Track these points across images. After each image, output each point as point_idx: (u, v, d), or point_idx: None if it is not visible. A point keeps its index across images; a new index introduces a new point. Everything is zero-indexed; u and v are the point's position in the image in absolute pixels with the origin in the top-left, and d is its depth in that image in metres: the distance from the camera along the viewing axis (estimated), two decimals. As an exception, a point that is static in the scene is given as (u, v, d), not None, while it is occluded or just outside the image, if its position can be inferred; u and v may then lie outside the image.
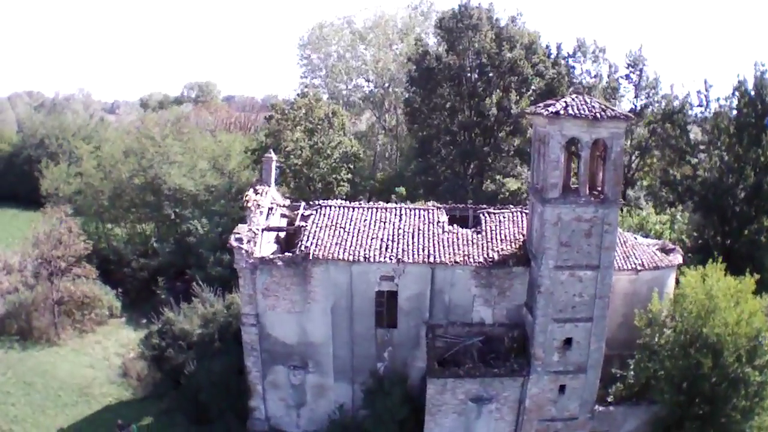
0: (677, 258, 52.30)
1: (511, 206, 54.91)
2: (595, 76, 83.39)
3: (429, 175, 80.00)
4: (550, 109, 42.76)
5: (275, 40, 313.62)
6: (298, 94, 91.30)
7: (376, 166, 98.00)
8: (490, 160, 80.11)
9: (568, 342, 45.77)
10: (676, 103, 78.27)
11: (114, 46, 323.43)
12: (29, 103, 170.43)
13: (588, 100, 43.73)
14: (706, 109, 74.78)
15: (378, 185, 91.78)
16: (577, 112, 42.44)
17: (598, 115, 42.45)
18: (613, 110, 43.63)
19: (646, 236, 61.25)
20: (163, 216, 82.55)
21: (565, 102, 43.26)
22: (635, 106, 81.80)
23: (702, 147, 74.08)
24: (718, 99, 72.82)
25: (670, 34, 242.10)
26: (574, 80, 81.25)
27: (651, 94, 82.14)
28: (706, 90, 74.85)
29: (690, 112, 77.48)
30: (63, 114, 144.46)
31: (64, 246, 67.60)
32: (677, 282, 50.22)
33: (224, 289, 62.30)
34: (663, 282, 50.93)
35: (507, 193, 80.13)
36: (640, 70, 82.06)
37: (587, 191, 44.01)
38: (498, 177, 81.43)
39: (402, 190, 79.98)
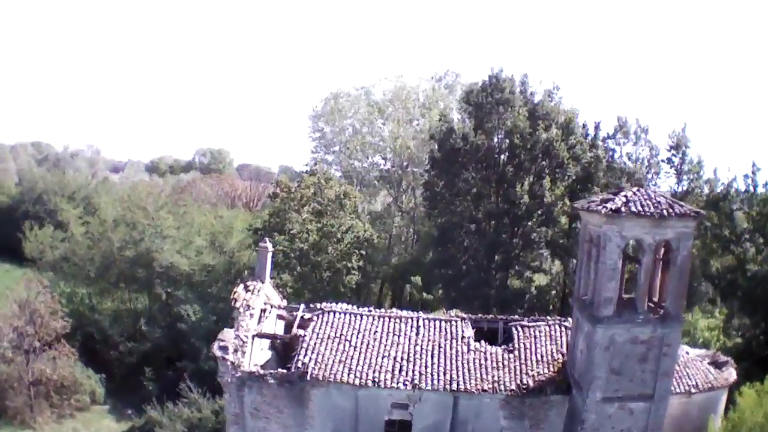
0: (731, 374, 44.34)
1: (548, 318, 46.55)
2: (636, 160, 75.60)
3: (449, 266, 71.81)
4: (609, 205, 35.46)
5: (291, 108, 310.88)
6: (306, 171, 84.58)
7: (391, 250, 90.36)
8: (517, 252, 71.89)
9: (611, 481, 37.78)
10: (721, 188, 70.32)
11: (130, 104, 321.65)
12: (33, 155, 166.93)
13: (651, 194, 36.88)
14: (753, 195, 67.57)
15: (392, 272, 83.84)
16: (641, 209, 35.42)
17: (665, 212, 35.41)
18: (681, 206, 36.66)
19: (694, 346, 53.25)
20: (155, 295, 78.38)
21: (626, 197, 36.06)
22: (676, 192, 73.90)
23: (747, 236, 66.50)
24: (766, 184, 66.48)
25: (716, 111, 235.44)
26: (614, 164, 73.65)
27: (693, 179, 74.22)
28: (754, 173, 67.73)
29: (736, 198, 69.43)
30: (65, 170, 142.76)
31: (39, 323, 63.19)
32: (728, 399, 43.24)
33: (217, 389, 54.95)
34: (716, 402, 43.50)
35: (535, 290, 72.30)
36: (683, 153, 74.32)
37: (645, 305, 36.66)
38: (526, 272, 73.15)
39: (418, 279, 73.43)
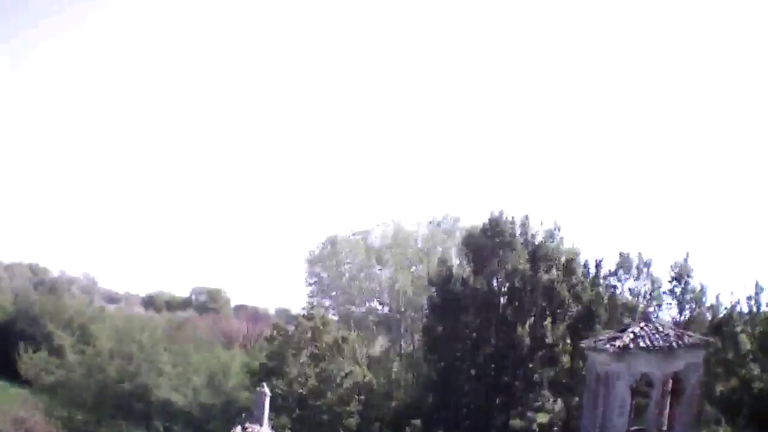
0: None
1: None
2: (637, 294, 75.63)
3: (449, 410, 70.69)
4: (617, 343, 35.21)
5: (288, 249, 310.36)
6: (303, 315, 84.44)
7: (390, 395, 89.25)
8: (519, 394, 71.01)
9: None
10: (723, 313, 69.82)
11: (128, 236, 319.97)
12: (29, 278, 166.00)
13: (659, 327, 37.15)
14: (756, 315, 66.89)
15: (392, 415, 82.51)
16: (649, 344, 35.23)
17: (674, 344, 35.71)
18: (690, 336, 37.40)
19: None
20: (153, 429, 76.39)
21: (633, 333, 36.14)
22: (678, 321, 73.44)
23: (752, 356, 65.16)
24: (769, 303, 66.22)
25: (719, 234, 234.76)
26: (615, 301, 73.26)
27: (696, 307, 73.96)
28: (757, 293, 67.20)
29: (739, 320, 68.21)
30: (61, 296, 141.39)
31: None
32: None
33: None
34: None
35: (537, 429, 71.31)
36: (685, 282, 74.17)
37: None
38: (528, 413, 72.10)
39: (417, 422, 72.26)
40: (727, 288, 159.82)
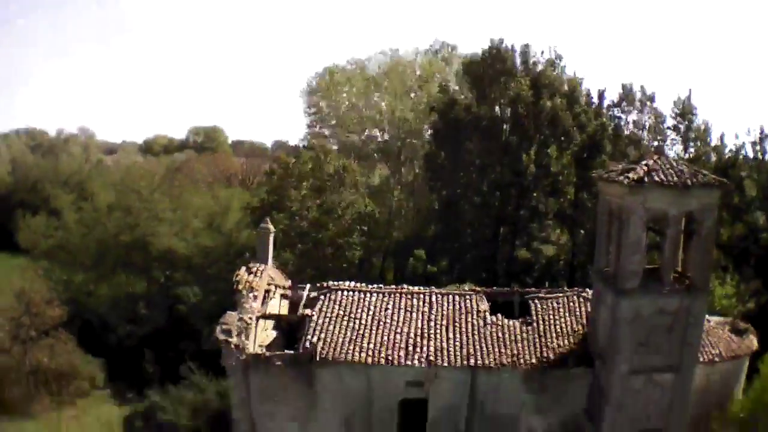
0: (753, 342, 43.06)
1: (565, 289, 45.00)
2: (642, 128, 74.27)
3: (453, 239, 70.35)
4: (631, 176, 33.63)
5: (285, 82, 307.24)
6: (303, 146, 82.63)
7: (392, 224, 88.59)
8: (524, 224, 70.47)
9: (635, 455, 36.44)
10: (728, 155, 69.53)
11: (121, 84, 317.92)
12: (26, 143, 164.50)
13: (674, 164, 35.05)
14: (762, 162, 67.66)
15: (394, 246, 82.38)
16: (664, 179, 33.62)
17: (689, 181, 33.80)
18: (705, 175, 35.01)
19: (712, 313, 52.02)
20: (153, 279, 76.02)
21: (647, 166, 34.28)
22: (682, 159, 72.64)
23: (758, 203, 65.97)
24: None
25: (722, 75, 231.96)
26: (620, 133, 72.44)
27: (701, 146, 72.86)
28: (762, 140, 67.98)
29: (744, 166, 68.92)
30: (59, 156, 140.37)
31: (35, 312, 61.55)
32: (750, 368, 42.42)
33: (219, 369, 53.24)
34: (738, 372, 42.36)
35: (543, 261, 70.77)
36: (689, 120, 73.22)
37: (671, 277, 35.24)
38: (534, 243, 71.69)
39: (422, 253, 71.48)
40: (731, 130, 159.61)
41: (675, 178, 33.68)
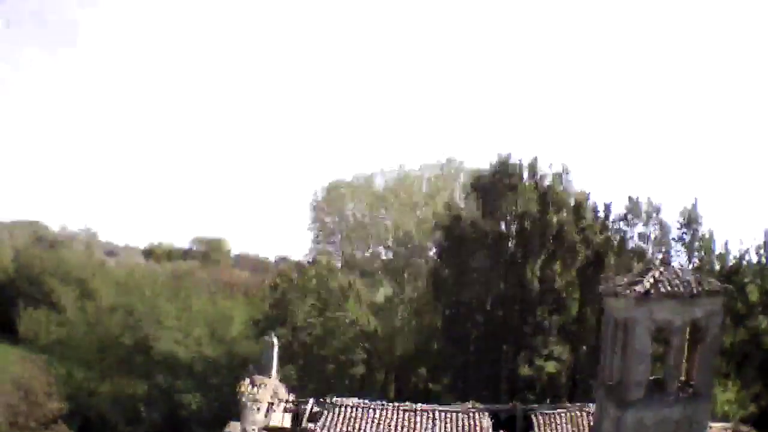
0: (754, 446, 41.99)
1: (567, 404, 44.45)
2: (647, 240, 74.30)
3: (456, 356, 69.63)
4: (637, 288, 33.56)
5: (289, 197, 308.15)
6: (308, 261, 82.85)
7: (394, 341, 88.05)
8: (527, 341, 69.71)
9: None
10: (732, 262, 69.23)
11: (127, 188, 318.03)
12: (29, 235, 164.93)
13: (679, 273, 35.07)
14: (765, 266, 67.49)
15: (397, 363, 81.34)
16: (670, 289, 33.55)
17: (694, 291, 33.81)
18: (710, 283, 35.10)
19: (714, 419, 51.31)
20: (154, 382, 75.31)
21: (653, 278, 34.13)
22: (686, 269, 72.41)
23: (760, 308, 65.55)
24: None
25: (729, 181, 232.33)
26: (625, 246, 71.83)
27: (705, 255, 72.62)
28: (766, 243, 67.80)
29: (748, 271, 68.68)
30: (62, 252, 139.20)
31: (34, 402, 61.57)
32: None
33: None
34: None
35: (545, 378, 69.39)
36: (694, 229, 72.89)
37: (675, 386, 34.89)
38: (537, 360, 70.93)
39: (423, 371, 71.99)
40: (736, 236, 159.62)
41: (681, 289, 33.75)
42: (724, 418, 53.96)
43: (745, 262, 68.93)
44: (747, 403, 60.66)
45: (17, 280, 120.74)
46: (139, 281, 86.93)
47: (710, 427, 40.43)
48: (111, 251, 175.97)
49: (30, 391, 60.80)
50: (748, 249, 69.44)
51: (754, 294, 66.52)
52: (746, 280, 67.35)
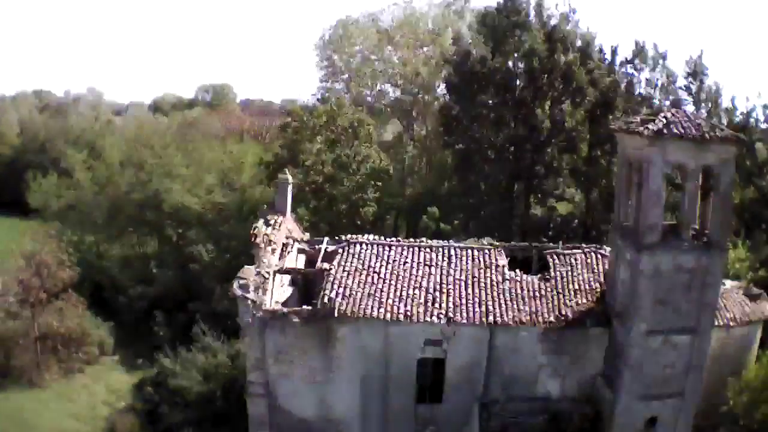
0: (766, 308, 43.00)
1: (583, 245, 44.56)
2: (654, 87, 73.46)
3: (468, 195, 69.75)
4: (651, 126, 33.28)
5: (294, 39, 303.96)
6: (318, 99, 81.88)
7: (404, 181, 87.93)
8: (539, 180, 69.82)
9: (651, 421, 36.80)
10: (740, 117, 68.59)
11: (128, 44, 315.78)
12: (34, 104, 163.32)
13: (691, 117, 35.00)
14: None
15: (407, 203, 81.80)
16: (683, 131, 33.34)
17: (708, 134, 33.56)
18: (723, 130, 34.86)
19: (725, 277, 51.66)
20: (165, 237, 75.40)
21: (666, 118, 34.06)
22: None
23: None
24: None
25: (734, 37, 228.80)
26: (632, 90, 71.10)
27: (712, 107, 71.93)
28: None
29: (756, 129, 68.23)
30: (68, 116, 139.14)
31: (46, 274, 59.81)
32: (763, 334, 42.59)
33: (231, 331, 53.98)
34: (753, 336, 42.17)
35: (558, 219, 70.22)
36: (701, 80, 72.04)
37: (689, 233, 35.11)
38: (550, 200, 71.23)
39: (435, 210, 70.39)
40: (742, 92, 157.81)
41: (694, 131, 33.57)
42: (735, 277, 54.36)
43: (752, 120, 68.47)
44: (756, 266, 61.06)
45: (24, 151, 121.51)
46: (147, 135, 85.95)
47: (723, 284, 40.87)
48: (118, 110, 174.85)
49: (41, 264, 60.27)
50: (755, 106, 68.94)
51: (762, 153, 66.05)
52: (755, 137, 66.89)
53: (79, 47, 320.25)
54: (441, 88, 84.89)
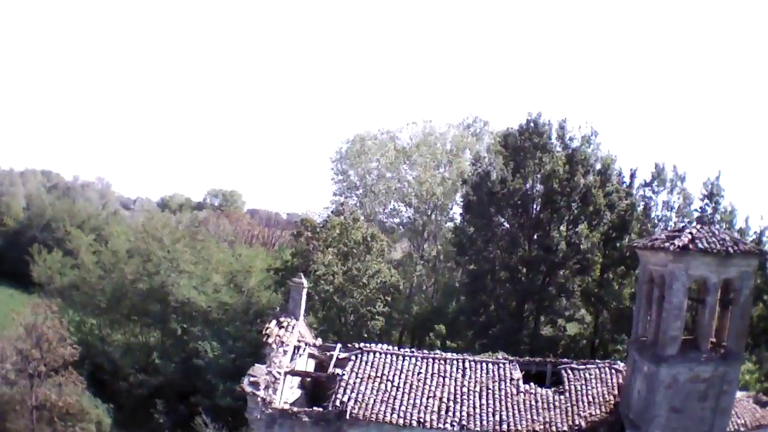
0: (775, 413, 42.38)
1: (597, 361, 44.26)
2: (670, 209, 74.17)
3: (479, 314, 69.68)
4: (676, 242, 33.55)
5: (306, 153, 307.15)
6: (332, 212, 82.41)
7: (412, 299, 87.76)
8: (550, 301, 69.65)
9: None
10: (752, 237, 68.52)
11: (141, 141, 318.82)
12: (42, 183, 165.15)
13: (715, 232, 35.39)
14: None
15: (413, 321, 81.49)
16: (707, 246, 33.66)
17: (731, 249, 33.93)
18: (745, 244, 35.58)
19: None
20: (169, 329, 75.25)
21: (691, 234, 34.47)
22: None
23: None
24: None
25: (753, 154, 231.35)
26: (648, 213, 72.27)
27: (725, 228, 72.17)
28: None
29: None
30: (75, 200, 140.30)
31: (46, 348, 60.12)
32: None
33: (233, 427, 55.25)
34: None
35: (568, 339, 70.26)
36: (716, 202, 72.42)
37: (708, 345, 35.19)
38: (559, 321, 70.93)
39: (442, 328, 70.97)
40: (756, 211, 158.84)
41: (718, 246, 33.84)
42: (744, 387, 54.19)
43: (765, 238, 68.53)
44: (763, 379, 60.79)
45: (29, 226, 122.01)
46: (156, 228, 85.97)
47: (734, 393, 41.13)
48: (124, 203, 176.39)
49: (42, 337, 60.31)
50: (767, 226, 69.28)
51: None
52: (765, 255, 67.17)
53: (91, 136, 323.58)
54: (454, 210, 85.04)
